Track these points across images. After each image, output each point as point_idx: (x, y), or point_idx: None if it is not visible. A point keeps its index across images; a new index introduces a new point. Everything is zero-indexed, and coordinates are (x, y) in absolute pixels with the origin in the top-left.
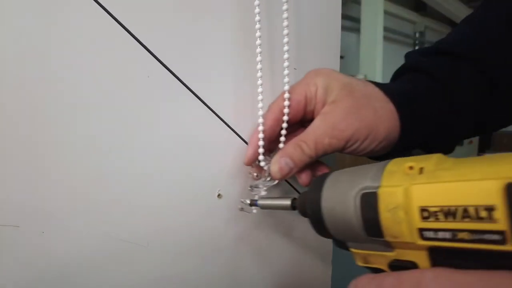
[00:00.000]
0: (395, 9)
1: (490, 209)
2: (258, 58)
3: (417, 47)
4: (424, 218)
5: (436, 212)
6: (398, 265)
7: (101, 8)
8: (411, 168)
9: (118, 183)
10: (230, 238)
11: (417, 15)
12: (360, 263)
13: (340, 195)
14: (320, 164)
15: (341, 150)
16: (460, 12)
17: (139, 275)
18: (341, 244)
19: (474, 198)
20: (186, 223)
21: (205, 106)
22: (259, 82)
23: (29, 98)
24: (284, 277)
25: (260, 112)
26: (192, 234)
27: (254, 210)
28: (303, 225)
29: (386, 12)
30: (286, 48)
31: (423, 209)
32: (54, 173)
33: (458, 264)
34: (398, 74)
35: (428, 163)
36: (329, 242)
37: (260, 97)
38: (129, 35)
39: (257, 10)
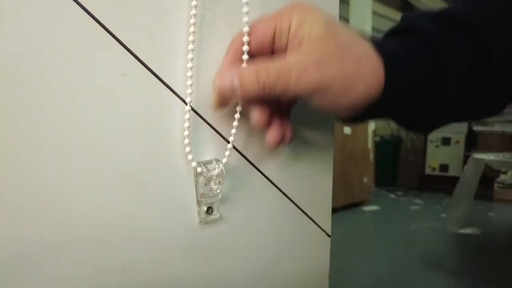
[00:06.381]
0: (383, 9)
1: None
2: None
3: None
4: None
5: None
6: None
7: None
8: None
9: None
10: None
11: None
12: None
13: None
14: (288, 125)
15: (306, 97)
16: None
17: None
18: None
19: None
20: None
21: None
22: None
23: None
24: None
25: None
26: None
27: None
28: (293, 225)
29: (374, 13)
30: None
31: None
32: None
33: None
34: (394, 33)
35: None
36: (325, 242)
37: None
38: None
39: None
